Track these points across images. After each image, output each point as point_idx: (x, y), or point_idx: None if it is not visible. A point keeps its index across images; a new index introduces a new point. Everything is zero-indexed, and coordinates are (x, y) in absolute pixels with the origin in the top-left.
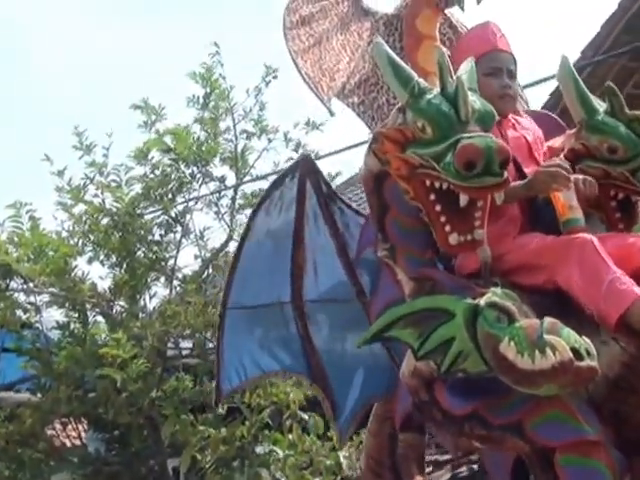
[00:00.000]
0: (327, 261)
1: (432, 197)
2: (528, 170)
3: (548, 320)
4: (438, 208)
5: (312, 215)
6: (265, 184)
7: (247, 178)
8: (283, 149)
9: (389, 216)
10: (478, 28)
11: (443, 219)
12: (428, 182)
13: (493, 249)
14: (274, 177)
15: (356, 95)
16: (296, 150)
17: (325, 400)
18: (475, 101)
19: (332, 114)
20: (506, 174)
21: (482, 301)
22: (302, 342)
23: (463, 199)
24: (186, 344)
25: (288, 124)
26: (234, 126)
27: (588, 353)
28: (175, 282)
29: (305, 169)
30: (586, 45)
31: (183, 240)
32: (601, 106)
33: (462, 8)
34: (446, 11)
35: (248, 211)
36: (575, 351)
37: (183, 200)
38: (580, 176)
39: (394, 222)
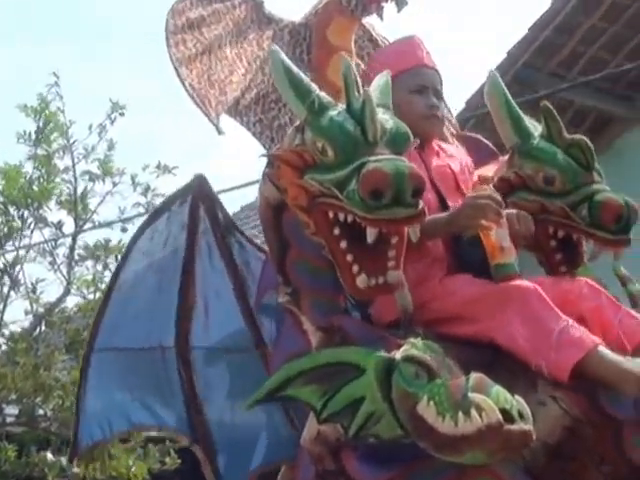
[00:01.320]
0: (222, 303)
1: (336, 231)
2: (453, 204)
3: (475, 376)
4: (344, 245)
5: (206, 248)
6: (109, 232)
7: (88, 225)
8: (130, 193)
9: (291, 255)
10: (401, 41)
11: (350, 258)
12: (331, 214)
13: (415, 295)
14: (119, 225)
15: (252, 112)
16: (144, 194)
17: (207, 464)
18: (387, 120)
19: (220, 133)
20: (421, 204)
21: (398, 354)
22: (185, 395)
23: (370, 234)
24: (11, 410)
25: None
26: (73, 166)
27: (521, 415)
28: (1, 340)
29: (199, 192)
30: (471, 95)
31: (12, 293)
32: (536, 129)
33: (381, 17)
34: (365, 23)
35: (89, 262)
36: (505, 413)
37: (12, 248)
38: (514, 211)
39: (297, 262)
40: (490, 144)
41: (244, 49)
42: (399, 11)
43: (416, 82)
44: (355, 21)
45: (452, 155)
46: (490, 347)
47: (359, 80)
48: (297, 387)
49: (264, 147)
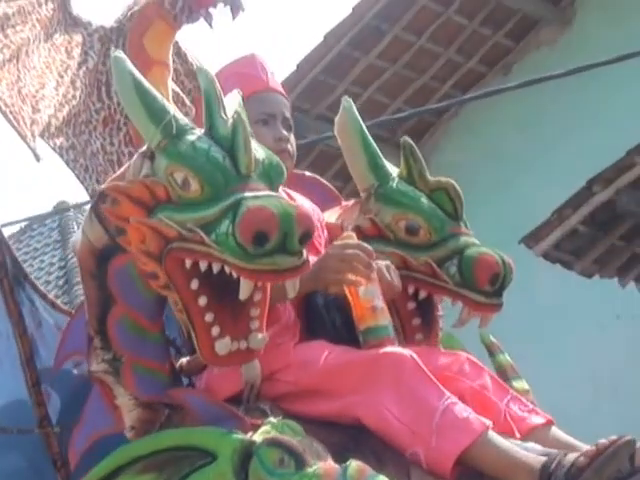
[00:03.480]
0: (4, 371)
1: (194, 285)
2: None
3: (354, 465)
4: (203, 302)
5: None
6: None
7: None
8: None
9: (115, 312)
10: (240, 61)
11: (209, 318)
12: (189, 262)
13: (264, 365)
14: None
15: (64, 136)
16: None
17: None
18: (256, 149)
19: (38, 159)
20: (305, 254)
21: (257, 437)
22: None
23: (246, 288)
24: None
25: None
26: None
27: None
28: None
29: None
30: None
31: None
32: (393, 170)
33: (210, 24)
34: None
35: None
36: None
37: None
38: (383, 262)
39: (122, 321)
40: (331, 186)
41: (52, 57)
42: (234, 18)
43: (261, 110)
44: (176, 28)
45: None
46: (352, 427)
47: (224, 99)
48: (131, 476)
49: (78, 179)
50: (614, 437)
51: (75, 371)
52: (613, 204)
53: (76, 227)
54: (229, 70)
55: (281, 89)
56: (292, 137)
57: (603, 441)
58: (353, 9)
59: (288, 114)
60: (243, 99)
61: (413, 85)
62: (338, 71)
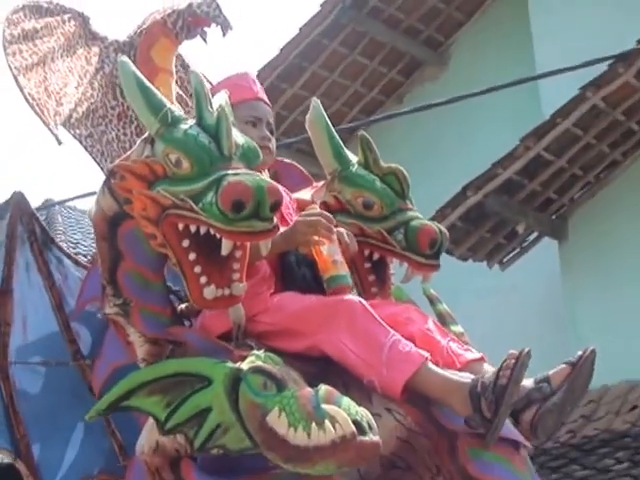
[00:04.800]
0: (40, 317)
1: (185, 243)
2: None
3: (324, 388)
4: (192, 257)
5: (23, 264)
6: None
7: None
8: None
9: (123, 267)
10: (237, 76)
11: (198, 270)
12: (181, 225)
13: (247, 308)
14: None
15: (83, 126)
16: None
17: (30, 478)
18: (237, 136)
19: (59, 143)
20: (276, 220)
21: (244, 365)
22: (6, 411)
23: (226, 246)
24: None
25: None
26: None
27: (370, 427)
28: None
29: (16, 210)
30: None
31: None
32: (353, 158)
33: (205, 40)
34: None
35: None
36: (357, 424)
37: None
38: (343, 229)
39: (129, 274)
40: (304, 170)
41: (74, 63)
42: (224, 35)
43: (251, 114)
44: (178, 43)
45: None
46: (321, 360)
47: (211, 96)
48: (140, 398)
49: (95, 161)
50: (514, 352)
51: (97, 313)
52: (482, 205)
53: (61, 220)
54: (228, 81)
55: (267, 100)
56: (273, 138)
57: (509, 360)
58: (281, 50)
59: (271, 120)
60: (236, 103)
61: (329, 110)
62: (270, 99)
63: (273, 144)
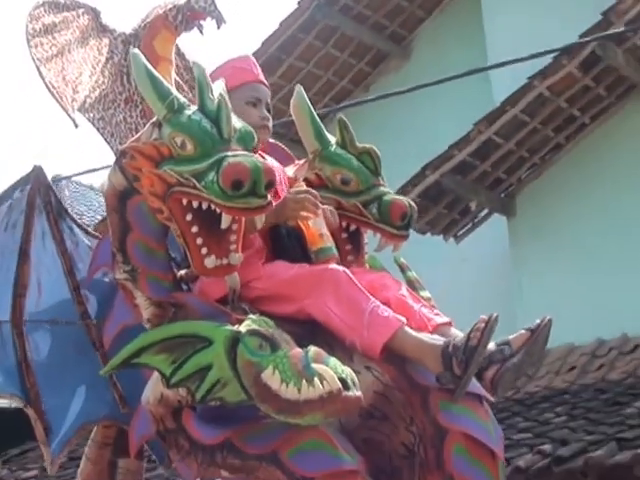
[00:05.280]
0: (52, 281)
1: (189, 217)
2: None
3: (313, 349)
4: (195, 229)
5: (40, 232)
6: None
7: None
8: None
9: (132, 237)
10: (238, 59)
11: (200, 241)
12: (185, 201)
13: (241, 276)
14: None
15: (96, 110)
16: None
17: (38, 423)
18: (235, 121)
19: (76, 126)
20: (270, 197)
21: (242, 328)
22: (19, 363)
23: (225, 220)
24: None
25: None
26: None
27: (353, 383)
28: None
29: (36, 182)
30: None
31: None
32: (332, 139)
33: (201, 32)
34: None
35: None
36: (342, 381)
37: None
38: (326, 206)
39: (137, 243)
40: (287, 149)
41: (87, 54)
42: (219, 28)
43: (252, 95)
44: (177, 35)
45: (273, 165)
46: (308, 322)
47: (212, 85)
48: (149, 355)
49: (105, 141)
50: (484, 317)
51: (105, 279)
52: (439, 184)
53: (68, 193)
54: (230, 64)
55: (266, 82)
56: (271, 118)
57: (479, 324)
58: (262, 43)
59: (269, 101)
60: (238, 84)
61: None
62: None
63: (270, 122)
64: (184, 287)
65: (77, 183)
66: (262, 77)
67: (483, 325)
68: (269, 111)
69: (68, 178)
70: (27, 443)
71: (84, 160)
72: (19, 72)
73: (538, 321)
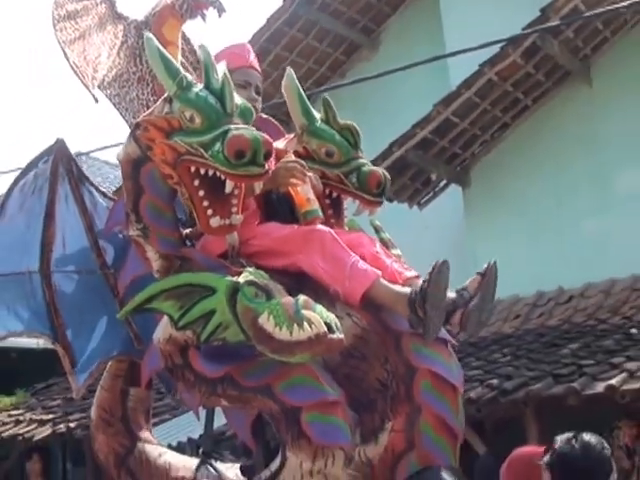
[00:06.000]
0: (75, 237)
1: (196, 182)
2: None
3: (302, 297)
4: (201, 193)
5: (63, 196)
6: None
7: None
8: None
9: (144, 199)
10: (236, 46)
11: (206, 203)
12: (193, 168)
13: (239, 234)
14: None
15: (112, 88)
16: None
17: (65, 356)
18: (237, 98)
19: (96, 101)
20: (267, 166)
21: (241, 279)
22: (47, 306)
23: (229, 185)
24: None
25: None
26: None
27: (337, 327)
28: None
29: (59, 153)
30: None
31: None
32: (317, 115)
33: (204, 19)
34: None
35: None
36: (327, 325)
37: None
38: (312, 174)
39: (148, 205)
40: (278, 124)
41: (105, 37)
42: (220, 16)
43: (243, 78)
44: (182, 22)
45: None
46: (298, 274)
47: (216, 66)
48: (160, 302)
49: (121, 115)
50: (434, 263)
51: (120, 236)
52: (405, 158)
53: (86, 167)
54: (228, 50)
55: (258, 68)
56: (260, 99)
57: (430, 269)
58: (253, 35)
59: (259, 84)
60: (233, 69)
61: None
62: None
63: (259, 104)
64: (188, 244)
65: (94, 159)
66: (255, 63)
67: (431, 269)
68: (259, 93)
69: (87, 154)
70: (52, 379)
71: (102, 138)
72: (19, 72)
73: (485, 265)
